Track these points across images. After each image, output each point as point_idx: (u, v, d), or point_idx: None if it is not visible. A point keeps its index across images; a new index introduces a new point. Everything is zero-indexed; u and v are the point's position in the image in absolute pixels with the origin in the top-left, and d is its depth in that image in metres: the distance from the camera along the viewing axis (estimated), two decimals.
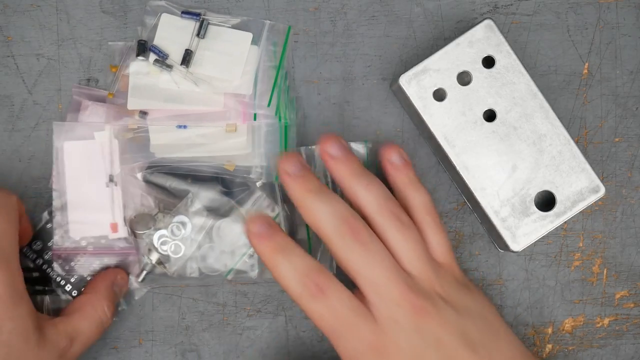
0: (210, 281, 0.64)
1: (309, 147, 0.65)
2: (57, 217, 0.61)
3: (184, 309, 0.65)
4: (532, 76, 0.61)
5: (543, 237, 0.64)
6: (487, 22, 0.61)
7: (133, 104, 0.62)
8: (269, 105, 0.62)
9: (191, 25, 0.63)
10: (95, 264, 0.62)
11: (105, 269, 0.63)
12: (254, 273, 0.64)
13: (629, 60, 0.66)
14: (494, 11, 0.66)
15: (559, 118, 0.61)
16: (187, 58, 0.62)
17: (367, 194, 0.58)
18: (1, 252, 0.55)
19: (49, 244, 0.62)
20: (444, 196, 0.66)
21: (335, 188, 0.63)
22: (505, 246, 0.62)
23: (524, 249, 0.61)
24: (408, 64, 0.65)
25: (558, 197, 0.61)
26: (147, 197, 0.63)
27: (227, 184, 0.64)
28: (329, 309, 0.55)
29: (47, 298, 0.62)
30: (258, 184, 0.64)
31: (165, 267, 0.63)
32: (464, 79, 0.62)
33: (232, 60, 0.62)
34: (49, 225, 0.62)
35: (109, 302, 0.61)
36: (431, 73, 0.61)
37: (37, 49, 0.64)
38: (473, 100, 0.61)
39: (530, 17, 0.66)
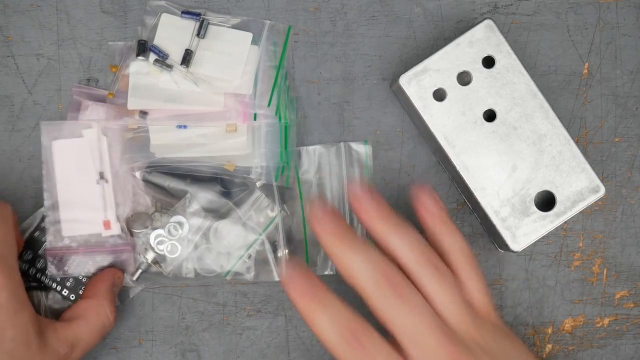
0: (209, 281, 0.64)
1: (309, 147, 0.65)
2: (49, 217, 0.61)
3: (184, 309, 0.65)
4: (532, 76, 0.61)
5: (543, 237, 0.64)
6: (487, 22, 0.61)
7: (133, 104, 0.62)
8: (269, 105, 0.62)
9: (191, 25, 0.63)
10: (90, 262, 0.62)
11: (103, 269, 0.63)
12: (250, 275, 0.64)
13: (629, 60, 0.66)
14: (494, 11, 0.66)
15: (559, 118, 0.61)
16: (187, 58, 0.62)
17: (402, 242, 0.56)
18: (2, 260, 0.55)
19: (39, 252, 0.62)
20: (444, 196, 0.66)
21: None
22: (505, 246, 0.62)
23: (524, 249, 0.61)
24: (408, 64, 0.65)
25: (558, 197, 0.61)
26: (144, 196, 0.63)
27: (227, 185, 0.64)
28: None
29: (44, 300, 0.62)
30: (258, 184, 0.64)
31: (160, 267, 0.63)
32: (464, 79, 0.62)
33: (232, 60, 0.62)
34: (36, 234, 0.62)
35: (111, 306, 0.61)
36: (431, 73, 0.61)
37: (37, 49, 0.64)
38: (473, 100, 0.61)
39: (530, 17, 0.66)
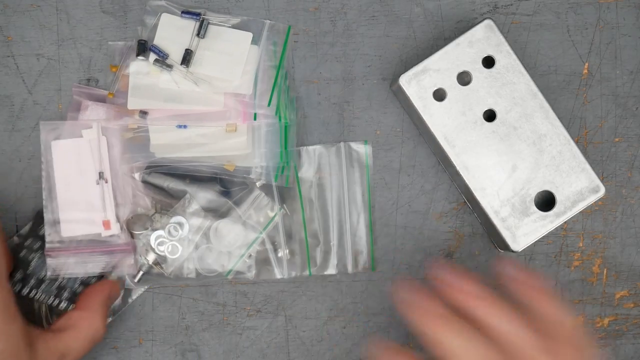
0: (210, 281, 0.64)
1: (309, 147, 0.65)
2: (49, 217, 0.61)
3: (184, 309, 0.65)
4: (532, 76, 0.61)
5: (543, 237, 0.64)
6: (487, 22, 0.61)
7: (133, 103, 0.62)
8: (269, 105, 0.62)
9: (191, 25, 0.63)
10: (90, 263, 0.62)
11: (100, 281, 0.62)
12: (251, 274, 0.64)
13: (629, 60, 0.66)
14: (494, 11, 0.66)
15: (559, 118, 0.61)
16: (187, 58, 0.62)
17: (508, 326, 0.53)
18: None
19: (28, 271, 0.61)
20: (444, 196, 0.66)
21: None
22: (505, 246, 0.62)
23: (524, 249, 0.61)
24: (408, 64, 0.65)
25: (558, 197, 0.61)
26: (144, 198, 0.63)
27: (226, 184, 0.64)
28: None
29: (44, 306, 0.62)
30: (258, 184, 0.64)
31: (162, 268, 0.63)
32: (464, 79, 0.62)
33: (232, 60, 0.62)
34: (22, 253, 0.61)
35: (103, 318, 0.60)
36: (431, 73, 0.61)
37: (37, 49, 0.64)
38: (473, 100, 0.61)
39: (530, 17, 0.66)
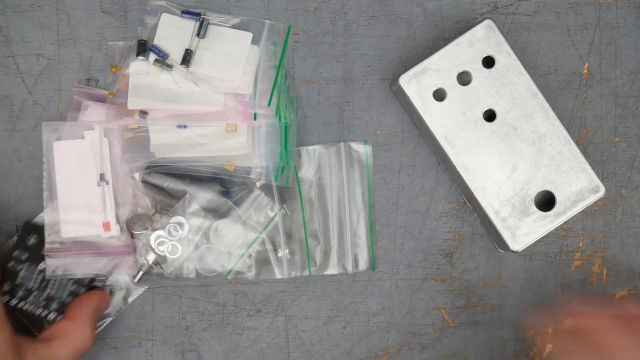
0: (210, 281, 0.64)
1: (309, 147, 0.65)
2: (49, 217, 0.61)
3: (184, 309, 0.65)
4: (532, 76, 0.61)
5: (543, 237, 0.64)
6: (487, 22, 0.61)
7: (133, 103, 0.62)
8: (269, 105, 0.62)
9: (191, 25, 0.63)
10: (89, 264, 0.62)
11: (90, 289, 0.62)
12: (251, 274, 0.64)
13: (629, 60, 0.66)
14: (494, 11, 0.66)
15: (559, 118, 0.61)
16: (187, 58, 0.62)
17: None
18: None
19: (17, 281, 0.61)
20: (444, 196, 0.66)
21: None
22: (505, 246, 0.62)
23: (524, 249, 0.61)
24: (408, 64, 0.65)
25: (558, 197, 0.61)
26: (144, 198, 0.63)
27: (226, 184, 0.64)
28: None
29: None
30: (258, 184, 0.63)
31: (162, 268, 0.63)
32: (464, 79, 0.62)
33: (232, 60, 0.62)
34: (10, 264, 0.61)
35: (91, 329, 0.60)
36: (431, 73, 0.61)
37: (37, 49, 0.64)
38: (473, 100, 0.61)
39: (530, 17, 0.66)
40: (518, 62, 0.61)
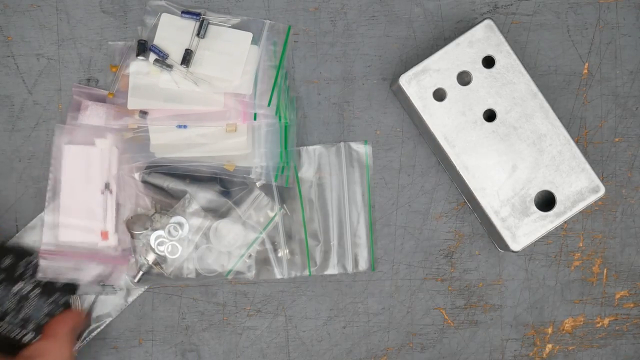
0: (210, 281, 0.64)
1: (309, 147, 0.65)
2: (49, 218, 0.61)
3: (184, 309, 0.65)
4: (532, 76, 0.61)
5: (543, 237, 0.64)
6: (487, 22, 0.61)
7: (133, 103, 0.62)
8: (269, 105, 0.62)
9: (191, 25, 0.63)
10: (81, 271, 0.61)
11: (66, 311, 0.62)
12: (251, 274, 0.64)
13: (629, 60, 0.66)
14: (494, 11, 0.66)
15: (559, 118, 0.61)
16: (187, 58, 0.62)
17: None
18: None
19: None
20: (444, 196, 0.66)
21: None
22: (505, 246, 0.62)
23: (524, 249, 0.61)
24: (408, 64, 0.65)
25: (558, 197, 0.61)
26: (144, 198, 0.63)
27: (226, 184, 0.64)
28: None
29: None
30: (258, 184, 0.63)
31: (162, 268, 0.63)
32: (464, 79, 0.62)
33: (232, 60, 0.62)
34: None
35: (69, 348, 0.60)
36: (431, 73, 0.61)
37: (37, 49, 0.64)
38: (473, 100, 0.61)
39: (530, 17, 0.66)
40: (518, 62, 0.61)
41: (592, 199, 0.61)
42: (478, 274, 0.66)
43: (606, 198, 0.66)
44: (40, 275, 0.61)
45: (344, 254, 0.65)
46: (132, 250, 0.63)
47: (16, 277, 0.61)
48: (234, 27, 0.64)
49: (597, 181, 0.61)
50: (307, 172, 0.65)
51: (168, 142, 0.62)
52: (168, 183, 0.63)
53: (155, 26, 0.63)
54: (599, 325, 0.66)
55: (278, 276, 0.64)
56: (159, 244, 0.62)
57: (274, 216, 0.63)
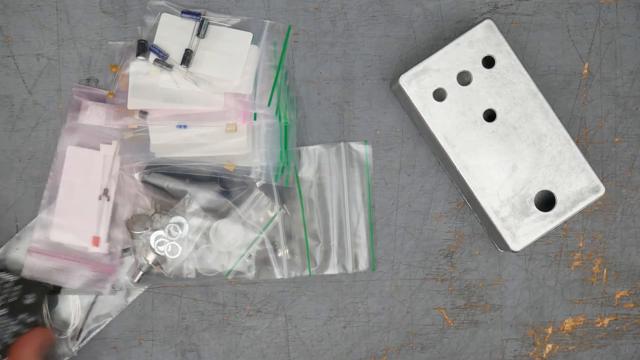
0: (210, 281, 0.64)
1: (309, 147, 0.65)
2: (43, 216, 0.61)
3: (184, 309, 0.65)
4: (532, 76, 0.61)
5: (543, 237, 0.64)
6: (487, 22, 0.61)
7: (133, 103, 0.62)
8: (269, 105, 0.62)
9: (191, 25, 0.63)
10: (67, 274, 0.61)
11: (31, 330, 0.60)
12: (251, 274, 0.64)
13: (629, 60, 0.66)
14: (494, 11, 0.66)
15: (559, 118, 0.61)
16: (187, 58, 0.62)
17: None
18: None
19: None
20: (444, 196, 0.66)
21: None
22: (505, 246, 0.62)
23: (524, 249, 0.61)
24: (408, 64, 0.65)
25: (558, 197, 0.61)
26: (144, 198, 0.63)
27: (226, 184, 0.64)
28: None
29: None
30: (258, 184, 0.63)
31: (161, 268, 0.63)
32: (464, 79, 0.62)
33: (232, 59, 0.62)
34: None
35: None
36: (431, 73, 0.61)
37: (37, 49, 0.64)
38: (473, 100, 0.61)
39: (530, 17, 0.66)
40: (518, 62, 0.61)
41: (592, 199, 0.61)
42: (478, 274, 0.66)
43: (606, 198, 0.66)
44: (26, 273, 0.61)
45: (344, 254, 0.65)
46: (132, 250, 0.63)
47: None
48: (234, 27, 0.64)
49: (597, 181, 0.61)
50: (307, 172, 0.65)
51: (168, 142, 0.62)
52: (168, 183, 0.63)
53: (155, 26, 0.63)
54: (599, 325, 0.66)
55: (278, 276, 0.64)
56: (159, 244, 0.62)
57: (274, 216, 0.63)
